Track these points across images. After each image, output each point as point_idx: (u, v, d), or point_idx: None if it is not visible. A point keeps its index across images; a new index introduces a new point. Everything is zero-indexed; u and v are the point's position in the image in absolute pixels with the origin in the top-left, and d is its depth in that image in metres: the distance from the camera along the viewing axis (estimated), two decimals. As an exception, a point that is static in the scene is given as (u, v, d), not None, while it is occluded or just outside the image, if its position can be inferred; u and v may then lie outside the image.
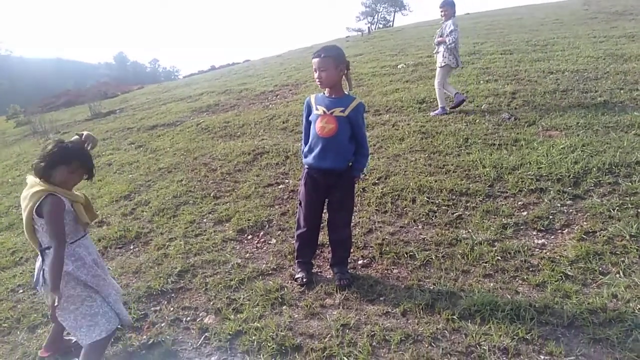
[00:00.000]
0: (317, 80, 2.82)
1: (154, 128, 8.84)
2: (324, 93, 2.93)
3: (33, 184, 2.19)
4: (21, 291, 3.52)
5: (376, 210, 3.86)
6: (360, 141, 2.91)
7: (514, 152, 4.52)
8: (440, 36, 6.16)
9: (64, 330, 2.56)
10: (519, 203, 3.63)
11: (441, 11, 6.16)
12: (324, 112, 2.83)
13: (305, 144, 3.01)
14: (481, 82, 7.44)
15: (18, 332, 2.99)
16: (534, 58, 8.65)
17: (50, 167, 2.16)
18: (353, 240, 3.41)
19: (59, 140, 2.24)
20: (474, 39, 12.26)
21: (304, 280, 3.01)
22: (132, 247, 3.97)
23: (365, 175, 4.50)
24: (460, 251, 3.09)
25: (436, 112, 6.25)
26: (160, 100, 12.98)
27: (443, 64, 6.18)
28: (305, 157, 2.97)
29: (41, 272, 2.23)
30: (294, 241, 3.21)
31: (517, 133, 5.01)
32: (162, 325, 2.80)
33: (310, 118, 2.93)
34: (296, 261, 3.19)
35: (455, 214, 3.59)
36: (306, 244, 3.14)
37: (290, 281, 3.08)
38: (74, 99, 21.62)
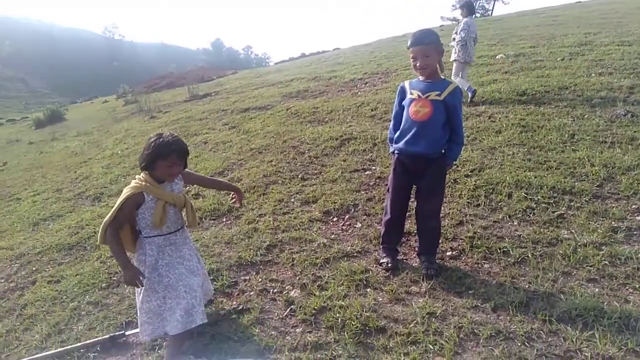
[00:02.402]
0: (418, 68, 2.74)
1: (247, 111, 9.22)
2: (418, 78, 2.86)
3: (135, 179, 2.38)
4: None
5: (468, 202, 3.71)
6: (456, 128, 2.81)
7: (630, 152, 4.08)
8: (455, 33, 6.88)
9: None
10: (633, 206, 3.27)
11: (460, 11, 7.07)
12: (419, 95, 2.76)
13: (395, 130, 2.95)
14: (592, 75, 6.78)
15: (125, 286, 3.30)
16: (658, 50, 7.70)
17: (151, 161, 2.28)
18: (442, 230, 3.31)
19: (158, 135, 2.31)
20: (586, 29, 11.19)
21: (389, 265, 2.97)
22: (224, 220, 4.20)
23: (457, 164, 4.33)
24: (560, 252, 2.86)
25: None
26: (253, 85, 13.50)
27: (453, 59, 6.95)
28: (396, 142, 2.91)
29: None
30: (380, 227, 3.20)
31: (635, 131, 4.51)
32: (251, 294, 2.94)
33: (403, 103, 2.87)
34: (381, 246, 3.15)
35: (556, 213, 3.33)
36: (392, 230, 3.10)
37: (375, 265, 3.07)
38: (175, 81, 23.25)
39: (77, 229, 4.58)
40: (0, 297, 3.50)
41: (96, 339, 2.65)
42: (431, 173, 2.85)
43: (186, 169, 2.50)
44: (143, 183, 2.31)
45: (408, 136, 2.80)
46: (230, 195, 3.09)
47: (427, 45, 2.68)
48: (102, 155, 8.37)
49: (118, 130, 11.05)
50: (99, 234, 2.34)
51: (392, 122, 3.01)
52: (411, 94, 2.81)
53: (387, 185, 3.12)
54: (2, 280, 3.77)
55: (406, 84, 2.90)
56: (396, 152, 2.93)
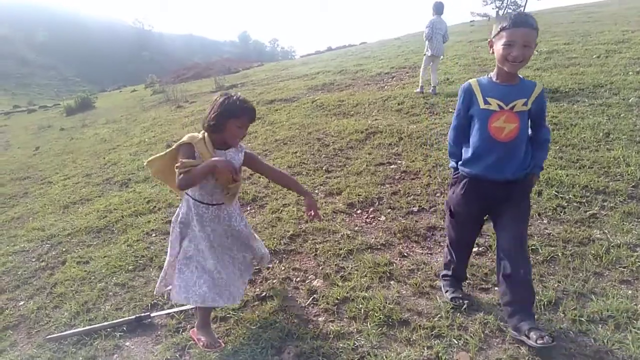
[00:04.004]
0: (512, 60, 2.07)
1: (272, 102, 9.24)
2: (490, 77, 2.23)
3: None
4: (154, 235, 3.96)
5: (495, 199, 3.63)
6: (541, 124, 2.23)
7: (668, 152, 3.93)
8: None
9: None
10: (671, 208, 3.15)
11: None
12: (500, 106, 2.12)
13: (458, 145, 2.35)
14: (630, 73, 6.54)
15: (151, 269, 3.37)
16: (700, 49, 7.37)
17: (222, 121, 2.19)
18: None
19: (227, 96, 2.23)
20: (623, 26, 10.79)
21: (463, 302, 2.42)
22: (249, 208, 4.23)
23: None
24: (592, 252, 2.78)
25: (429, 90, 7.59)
26: (279, 77, 13.53)
27: (428, 54, 7.64)
28: (467, 164, 2.27)
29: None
30: (445, 255, 2.63)
31: (673, 131, 4.34)
32: (274, 281, 2.96)
33: (472, 112, 2.22)
34: (444, 275, 2.63)
35: (588, 212, 3.24)
36: (459, 272, 2.56)
37: (399, 258, 3.04)
38: (202, 71, 23.52)
39: (106, 212, 4.69)
40: (31, 276, 3.61)
41: (122, 319, 2.71)
42: (516, 197, 2.22)
43: (256, 156, 2.45)
44: (199, 137, 2.24)
45: (489, 160, 2.17)
46: (300, 204, 2.78)
47: (533, 30, 2.04)
48: (130, 143, 8.53)
49: (145, 119, 11.24)
50: (148, 163, 2.36)
51: (452, 134, 2.37)
52: (487, 103, 2.15)
53: (448, 207, 2.47)
54: (34, 260, 3.89)
55: (474, 85, 2.22)
56: (466, 175, 2.30)
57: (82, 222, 4.51)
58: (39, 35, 79.30)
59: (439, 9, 7.65)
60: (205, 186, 2.28)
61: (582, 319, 2.24)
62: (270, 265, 3.15)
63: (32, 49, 74.16)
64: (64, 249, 4.00)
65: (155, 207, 4.62)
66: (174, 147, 2.27)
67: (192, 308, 2.76)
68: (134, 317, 2.71)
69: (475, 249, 3.01)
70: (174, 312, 2.74)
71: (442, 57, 8.19)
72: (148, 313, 2.75)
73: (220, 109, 2.19)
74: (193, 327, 2.42)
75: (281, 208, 4.07)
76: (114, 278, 3.29)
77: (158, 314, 2.75)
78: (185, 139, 2.25)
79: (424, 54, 7.81)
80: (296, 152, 5.58)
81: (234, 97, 2.22)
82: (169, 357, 2.35)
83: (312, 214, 2.45)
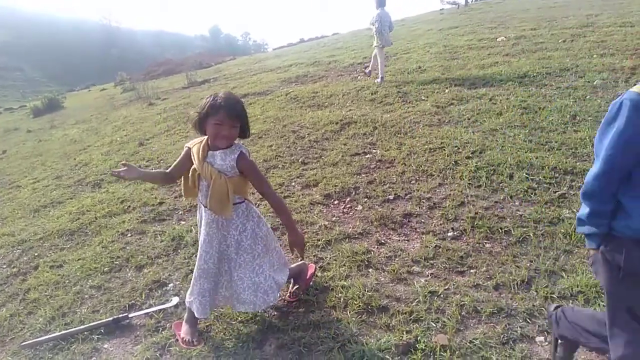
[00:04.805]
0: None
1: (246, 96, 9.15)
2: None
3: None
4: (129, 235, 3.90)
5: (469, 184, 3.70)
6: None
7: (631, 132, 4.06)
8: (372, 24, 7.99)
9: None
10: (635, 186, 3.27)
11: None
12: None
13: (609, 198, 1.46)
14: (594, 56, 6.72)
15: (127, 270, 3.32)
16: (660, 31, 7.62)
17: (202, 120, 2.13)
18: (442, 212, 3.33)
19: (213, 95, 2.13)
20: (587, 10, 11.08)
21: None
22: (225, 204, 4.19)
23: (457, 146, 4.31)
24: (562, 230, 2.86)
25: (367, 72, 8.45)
26: (251, 71, 13.40)
27: (374, 45, 8.02)
28: (630, 230, 1.42)
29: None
30: None
31: (636, 111, 4.49)
32: (253, 275, 2.94)
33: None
34: None
35: (557, 193, 3.33)
36: None
37: (376, 246, 3.07)
38: (173, 68, 23.12)
39: (78, 214, 4.58)
40: (2, 283, 3.51)
41: (100, 322, 2.66)
42: None
43: (253, 164, 2.24)
44: (197, 140, 2.23)
45: None
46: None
47: None
48: (102, 143, 8.34)
49: (117, 118, 11.00)
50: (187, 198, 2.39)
51: (601, 183, 1.46)
52: None
53: (625, 307, 1.48)
54: (5, 266, 3.78)
55: None
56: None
57: (53, 226, 4.40)
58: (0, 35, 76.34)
59: (382, 2, 7.89)
60: (202, 187, 2.23)
61: (554, 296, 2.31)
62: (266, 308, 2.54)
63: (-7, 50, 71.43)
64: (36, 254, 3.90)
65: (129, 206, 4.54)
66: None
67: (173, 305, 2.75)
68: (111, 318, 2.66)
69: (450, 234, 3.08)
70: (153, 311, 2.71)
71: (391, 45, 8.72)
72: (126, 314, 2.71)
73: (201, 109, 2.12)
74: (178, 321, 2.42)
75: (258, 202, 4.05)
76: (90, 280, 3.23)
77: (136, 314, 2.72)
78: (189, 143, 2.27)
79: (374, 46, 8.07)
80: (271, 146, 5.55)
81: (216, 95, 2.12)
82: (149, 357, 2.33)
83: (296, 253, 2.34)
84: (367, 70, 8.63)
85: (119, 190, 5.11)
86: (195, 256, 2.40)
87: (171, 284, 3.02)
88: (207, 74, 15.83)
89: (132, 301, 2.88)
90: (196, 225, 2.55)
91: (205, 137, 2.20)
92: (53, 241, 4.08)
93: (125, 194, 4.91)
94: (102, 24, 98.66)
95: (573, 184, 3.42)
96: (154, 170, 2.34)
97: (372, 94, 7.09)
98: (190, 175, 2.24)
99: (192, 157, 2.20)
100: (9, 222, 4.95)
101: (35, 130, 12.60)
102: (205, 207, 2.23)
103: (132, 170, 2.20)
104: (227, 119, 2.08)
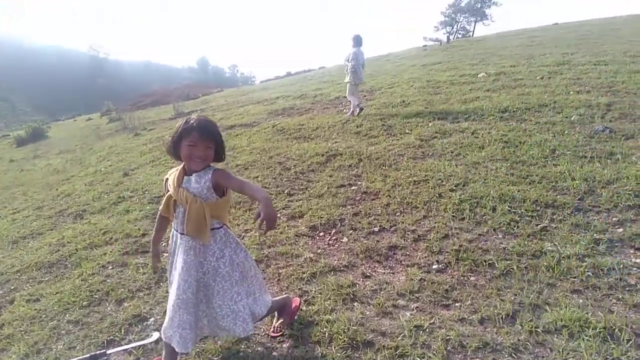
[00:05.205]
0: None
1: (232, 128, 9.22)
2: None
3: None
4: (111, 267, 3.81)
5: (453, 216, 3.73)
6: None
7: (609, 166, 4.18)
8: (347, 61, 8.34)
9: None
10: (614, 219, 3.34)
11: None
12: None
13: None
14: (571, 92, 6.97)
15: (107, 304, 3.23)
16: (632, 69, 7.96)
17: (176, 143, 2.12)
18: (427, 244, 3.34)
19: (186, 119, 2.13)
20: (563, 49, 11.56)
21: None
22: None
23: (441, 179, 4.36)
24: (545, 263, 2.89)
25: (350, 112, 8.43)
26: (239, 103, 13.54)
27: (347, 81, 8.40)
28: None
29: None
30: None
31: (613, 146, 4.63)
32: (237, 309, 2.89)
33: None
34: None
35: (539, 226, 3.38)
36: None
37: (362, 279, 3.06)
38: (160, 98, 23.22)
39: (58, 246, 4.48)
40: (-25, 317, 3.38)
41: (76, 359, 2.57)
42: None
43: (226, 172, 2.20)
44: (173, 170, 2.22)
45: None
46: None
47: None
48: (85, 173, 8.25)
49: (102, 148, 10.94)
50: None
51: None
52: None
53: None
54: (-22, 300, 3.65)
55: None
56: None
57: (32, 258, 4.29)
58: (-17, 64, 76.15)
59: (358, 42, 8.26)
60: (179, 214, 2.20)
61: (539, 330, 2.31)
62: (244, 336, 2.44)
63: (-23, 79, 71.03)
64: (12, 287, 3.78)
65: (111, 238, 4.46)
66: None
67: (153, 340, 2.67)
68: (88, 355, 2.57)
69: (435, 266, 3.08)
70: (132, 347, 2.62)
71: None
72: (104, 350, 2.62)
73: (175, 133, 2.12)
74: (157, 357, 2.34)
75: (243, 234, 4.03)
76: (67, 315, 3.13)
77: (115, 351, 2.63)
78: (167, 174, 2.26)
79: (347, 83, 8.42)
80: (257, 177, 5.56)
81: (189, 118, 2.12)
82: (126, 396, 2.24)
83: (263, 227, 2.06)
84: (348, 114, 8.47)
85: (101, 222, 5.02)
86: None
87: (152, 319, 2.94)
88: (195, 105, 15.94)
89: (111, 337, 2.79)
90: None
91: (182, 163, 2.19)
92: (30, 274, 3.96)
93: (107, 225, 4.83)
94: (90, 54, 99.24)
95: (554, 217, 3.48)
96: (157, 232, 2.34)
97: (357, 126, 7.20)
98: (164, 201, 2.21)
99: (168, 186, 2.20)
100: (-15, 254, 4.80)
101: (17, 160, 12.42)
102: (182, 233, 2.20)
103: (157, 257, 2.44)
104: (200, 140, 2.07)
